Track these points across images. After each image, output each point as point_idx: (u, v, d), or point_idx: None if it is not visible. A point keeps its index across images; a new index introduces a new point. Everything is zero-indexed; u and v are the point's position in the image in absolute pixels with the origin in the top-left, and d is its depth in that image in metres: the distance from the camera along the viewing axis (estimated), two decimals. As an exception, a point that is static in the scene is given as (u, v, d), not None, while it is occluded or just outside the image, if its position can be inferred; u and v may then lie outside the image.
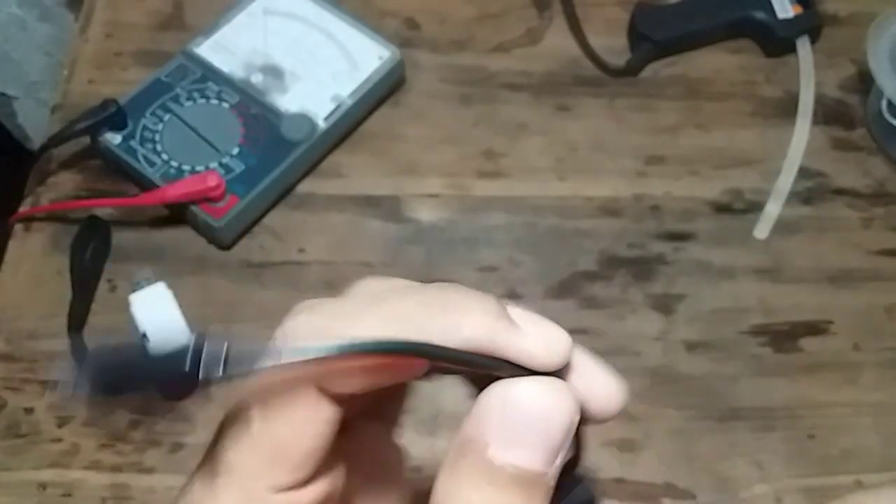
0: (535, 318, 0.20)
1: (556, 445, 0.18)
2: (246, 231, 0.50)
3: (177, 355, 0.17)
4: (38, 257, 0.49)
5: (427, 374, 0.21)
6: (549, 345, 0.20)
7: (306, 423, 0.20)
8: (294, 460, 0.19)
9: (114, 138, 0.50)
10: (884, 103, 0.53)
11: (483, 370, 0.19)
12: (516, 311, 0.20)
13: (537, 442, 0.18)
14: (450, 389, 0.46)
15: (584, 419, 0.20)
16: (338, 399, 0.20)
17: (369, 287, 0.21)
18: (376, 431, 0.24)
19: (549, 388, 0.18)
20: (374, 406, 0.24)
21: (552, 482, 0.19)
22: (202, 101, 0.51)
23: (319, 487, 0.21)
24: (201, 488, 0.20)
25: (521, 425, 0.18)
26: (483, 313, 0.19)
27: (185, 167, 0.49)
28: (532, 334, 0.20)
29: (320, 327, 0.19)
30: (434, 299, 0.19)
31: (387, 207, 0.51)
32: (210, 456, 0.20)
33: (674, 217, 0.52)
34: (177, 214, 0.49)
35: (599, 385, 0.20)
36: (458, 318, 0.19)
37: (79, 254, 0.48)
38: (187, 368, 0.17)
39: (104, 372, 0.17)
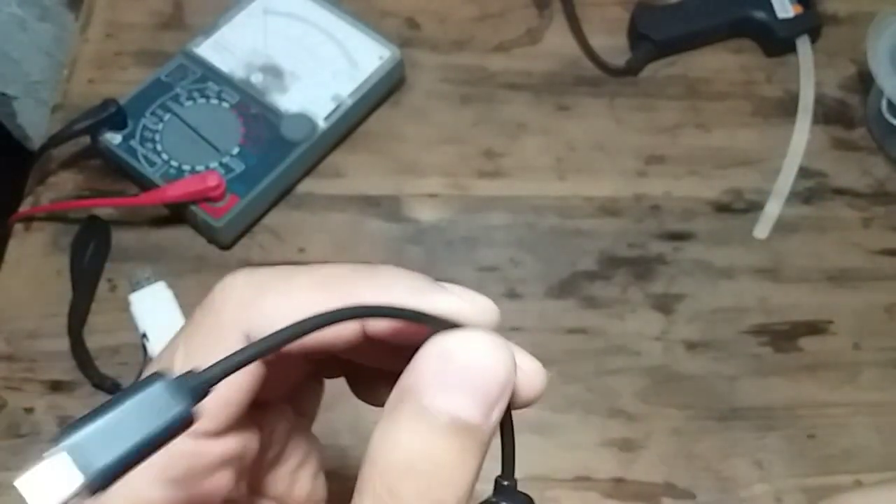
0: (465, 288, 0.21)
1: (491, 398, 0.18)
2: (246, 231, 0.50)
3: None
4: (38, 257, 0.49)
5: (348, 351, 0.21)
6: (477, 304, 0.20)
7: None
8: (210, 407, 0.19)
9: (114, 138, 0.50)
10: (884, 103, 0.53)
11: (417, 323, 0.19)
12: (446, 285, 0.20)
13: (472, 391, 0.18)
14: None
15: (510, 403, 0.20)
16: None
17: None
18: (293, 420, 0.25)
19: (486, 340, 0.19)
20: (294, 398, 0.24)
21: (487, 437, 0.19)
22: (202, 101, 0.51)
23: (230, 444, 0.21)
24: None
25: (456, 374, 0.18)
26: (412, 278, 0.20)
27: (185, 167, 0.49)
28: (461, 295, 0.20)
29: (258, 282, 0.20)
30: (365, 267, 0.20)
31: (387, 207, 0.51)
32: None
33: (674, 217, 0.52)
34: (177, 214, 0.49)
35: (523, 364, 0.20)
36: (388, 281, 0.20)
37: (79, 254, 0.48)
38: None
39: None
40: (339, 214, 0.51)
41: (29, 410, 0.45)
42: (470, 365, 0.18)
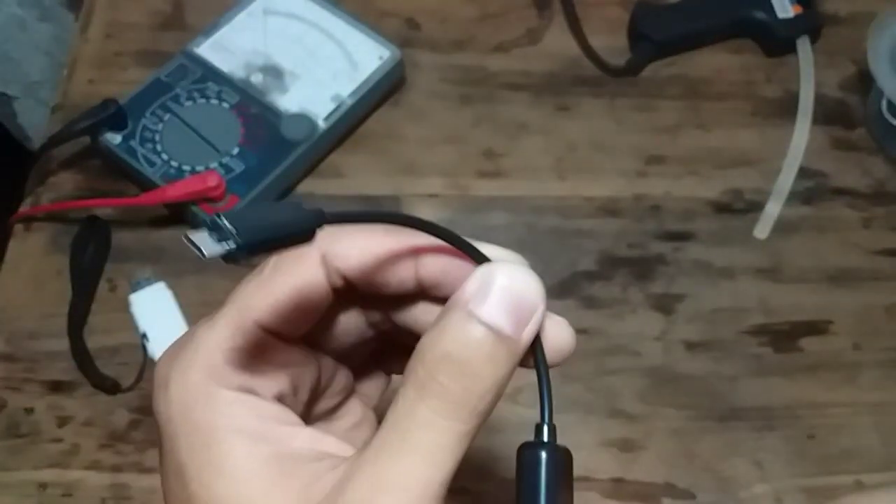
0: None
1: (523, 315, 0.22)
2: (246, 231, 0.50)
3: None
4: (38, 257, 0.49)
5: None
6: (511, 253, 0.24)
7: (304, 280, 0.24)
8: (285, 309, 0.23)
9: (114, 138, 0.50)
10: (884, 103, 0.53)
11: (470, 255, 0.23)
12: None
13: (507, 307, 0.22)
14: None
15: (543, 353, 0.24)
16: (335, 277, 0.24)
17: None
18: (350, 381, 0.28)
19: (524, 271, 0.23)
20: (358, 377, 0.29)
21: (517, 350, 0.22)
22: (202, 101, 0.51)
23: (290, 353, 0.24)
24: (205, 319, 0.24)
25: (497, 292, 0.22)
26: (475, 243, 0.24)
27: (185, 167, 0.49)
28: (495, 248, 0.24)
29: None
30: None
31: (387, 207, 0.51)
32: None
33: (674, 217, 0.52)
34: (177, 214, 0.49)
35: (552, 323, 0.24)
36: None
37: (79, 254, 0.48)
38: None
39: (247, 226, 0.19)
40: (339, 214, 0.51)
41: (29, 410, 0.45)
42: (508, 286, 0.22)
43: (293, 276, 0.24)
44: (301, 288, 0.24)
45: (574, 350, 0.25)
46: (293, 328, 0.24)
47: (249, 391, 0.23)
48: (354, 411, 0.29)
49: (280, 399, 0.24)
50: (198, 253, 0.18)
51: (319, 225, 0.21)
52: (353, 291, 0.25)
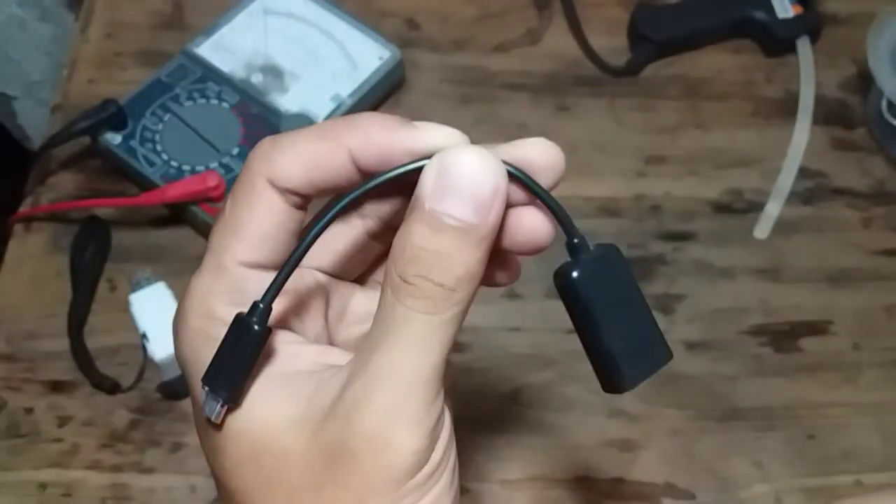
0: (432, 123, 0.25)
1: (485, 201, 0.22)
2: (246, 231, 0.50)
3: None
4: (38, 257, 0.49)
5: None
6: (444, 132, 0.24)
7: (260, 208, 0.24)
8: (251, 237, 0.25)
9: (114, 138, 0.50)
10: (884, 103, 0.53)
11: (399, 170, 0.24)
12: (417, 123, 0.25)
13: (467, 196, 0.22)
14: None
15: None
16: (288, 195, 0.25)
17: None
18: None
19: (474, 154, 0.23)
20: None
21: (486, 233, 0.23)
22: (202, 101, 0.51)
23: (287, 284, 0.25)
24: (192, 275, 0.26)
25: (454, 182, 0.22)
26: (384, 119, 0.24)
27: (185, 167, 0.49)
28: (427, 128, 0.24)
29: (275, 139, 0.25)
30: (349, 117, 0.25)
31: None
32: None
33: (674, 217, 0.52)
34: (177, 214, 0.49)
35: (534, 149, 0.25)
36: (365, 124, 0.24)
37: (79, 254, 0.48)
38: None
39: None
40: (339, 214, 0.51)
41: (29, 410, 0.45)
42: (463, 173, 0.22)
43: (249, 208, 0.25)
44: (262, 217, 0.25)
45: (551, 236, 0.25)
46: (274, 256, 0.25)
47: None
48: None
49: (282, 324, 0.25)
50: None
51: (263, 336, 0.23)
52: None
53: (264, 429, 0.23)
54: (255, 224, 0.25)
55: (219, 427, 0.24)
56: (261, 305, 0.23)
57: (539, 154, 0.25)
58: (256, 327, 0.23)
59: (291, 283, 0.24)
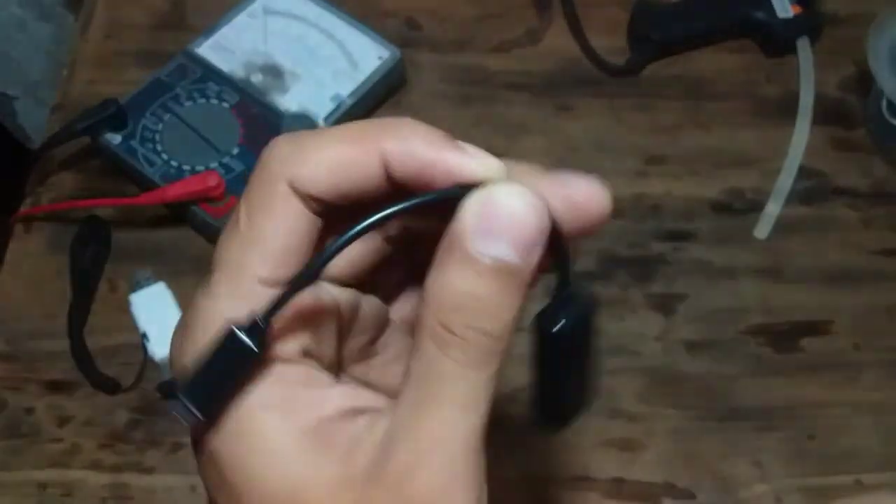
0: (476, 148, 0.23)
1: (528, 241, 0.21)
2: (246, 231, 0.50)
3: None
4: (38, 257, 0.49)
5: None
6: (489, 162, 0.23)
7: (283, 218, 0.22)
8: (274, 252, 0.22)
9: (114, 138, 0.50)
10: (884, 103, 0.53)
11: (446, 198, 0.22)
12: (462, 144, 0.23)
13: (510, 237, 0.21)
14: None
15: (577, 228, 0.23)
16: (311, 203, 0.23)
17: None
18: (388, 322, 0.27)
19: (519, 191, 0.21)
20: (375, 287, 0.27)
21: (527, 276, 0.21)
22: (202, 101, 0.51)
23: (305, 303, 0.23)
24: (200, 292, 0.23)
25: (501, 222, 0.21)
26: (429, 132, 0.23)
27: (185, 167, 0.49)
28: (474, 154, 0.23)
29: (297, 140, 0.23)
30: (388, 121, 0.23)
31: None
32: (212, 260, 0.23)
33: (674, 217, 0.52)
34: (177, 214, 0.49)
35: (580, 189, 0.23)
36: (407, 133, 0.22)
37: (79, 254, 0.48)
38: None
39: None
40: (339, 214, 0.51)
41: (29, 410, 0.45)
42: (507, 212, 0.21)
43: (271, 219, 0.22)
44: (286, 228, 0.22)
45: (607, 209, 0.23)
46: (286, 270, 0.23)
47: (270, 359, 0.22)
48: (394, 342, 0.27)
49: (305, 354, 0.23)
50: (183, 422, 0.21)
51: (257, 353, 0.21)
52: (343, 212, 0.23)
53: (297, 491, 0.21)
54: (278, 236, 0.22)
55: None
56: (259, 323, 0.21)
57: (586, 197, 0.23)
58: (254, 348, 0.21)
59: (309, 300, 0.23)
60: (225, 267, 0.22)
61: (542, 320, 0.24)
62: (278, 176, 0.22)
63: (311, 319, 0.23)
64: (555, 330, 0.23)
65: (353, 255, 0.24)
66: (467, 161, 0.22)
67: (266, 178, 0.22)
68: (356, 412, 0.22)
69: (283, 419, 0.21)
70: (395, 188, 0.23)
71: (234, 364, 0.21)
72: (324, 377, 0.23)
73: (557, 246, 0.22)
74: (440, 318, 0.21)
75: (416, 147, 0.22)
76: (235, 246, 0.22)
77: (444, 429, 0.21)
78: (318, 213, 0.23)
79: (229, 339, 0.21)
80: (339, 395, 0.22)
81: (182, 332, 0.23)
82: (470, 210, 0.21)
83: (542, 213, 0.21)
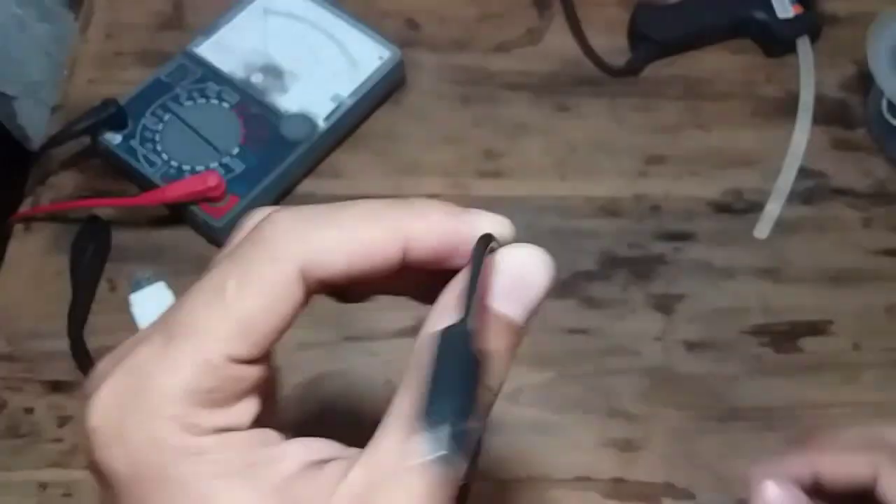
0: (483, 211, 0.24)
1: (536, 305, 0.22)
2: (246, 231, 0.50)
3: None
4: (38, 257, 0.49)
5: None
6: (502, 222, 0.23)
7: (280, 300, 0.21)
8: (258, 334, 0.21)
9: (114, 138, 0.50)
10: (884, 103, 0.53)
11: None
12: (471, 210, 0.23)
13: (526, 300, 0.21)
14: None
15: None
16: (314, 286, 0.22)
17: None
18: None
19: (540, 257, 0.22)
20: None
21: (524, 333, 0.22)
22: (202, 101, 0.51)
23: (262, 370, 0.22)
24: (149, 349, 0.21)
25: (516, 284, 0.21)
26: (443, 204, 0.23)
27: (185, 167, 0.49)
28: (487, 216, 0.23)
29: (306, 217, 0.22)
30: (401, 200, 0.23)
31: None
32: (168, 320, 0.21)
33: (674, 217, 0.52)
34: (177, 214, 0.49)
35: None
36: (425, 209, 0.22)
37: (79, 254, 0.48)
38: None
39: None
40: (339, 214, 0.51)
41: (29, 410, 0.45)
42: (527, 278, 0.21)
43: (263, 296, 0.21)
44: (281, 312, 0.21)
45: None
46: (261, 350, 0.21)
47: (227, 429, 0.21)
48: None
49: (257, 420, 0.22)
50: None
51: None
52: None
53: None
54: (269, 318, 0.21)
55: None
56: (469, 327, 0.20)
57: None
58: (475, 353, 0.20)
59: (252, 375, 0.21)
60: (194, 335, 0.20)
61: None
62: (288, 257, 0.21)
63: (260, 383, 0.22)
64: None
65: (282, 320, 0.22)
66: (486, 223, 0.23)
67: (271, 255, 0.21)
68: (316, 463, 0.21)
69: (245, 485, 0.20)
70: (403, 268, 0.22)
71: (467, 373, 0.20)
72: (275, 435, 0.22)
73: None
74: None
75: (438, 222, 0.22)
76: (216, 316, 0.21)
77: (424, 485, 0.19)
78: (312, 293, 0.22)
79: (455, 343, 0.20)
80: (296, 450, 0.21)
81: (119, 393, 0.20)
82: (493, 268, 0.21)
83: (553, 279, 0.22)
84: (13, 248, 0.49)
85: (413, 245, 0.22)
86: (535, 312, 0.22)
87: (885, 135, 0.54)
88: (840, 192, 0.53)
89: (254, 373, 0.21)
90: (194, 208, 0.48)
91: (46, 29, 0.62)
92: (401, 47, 0.54)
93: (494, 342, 0.21)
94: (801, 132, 0.54)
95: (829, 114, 0.56)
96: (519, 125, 0.55)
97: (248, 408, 0.22)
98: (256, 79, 0.53)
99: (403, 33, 0.57)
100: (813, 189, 0.53)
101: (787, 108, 0.56)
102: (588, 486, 0.44)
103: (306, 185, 0.52)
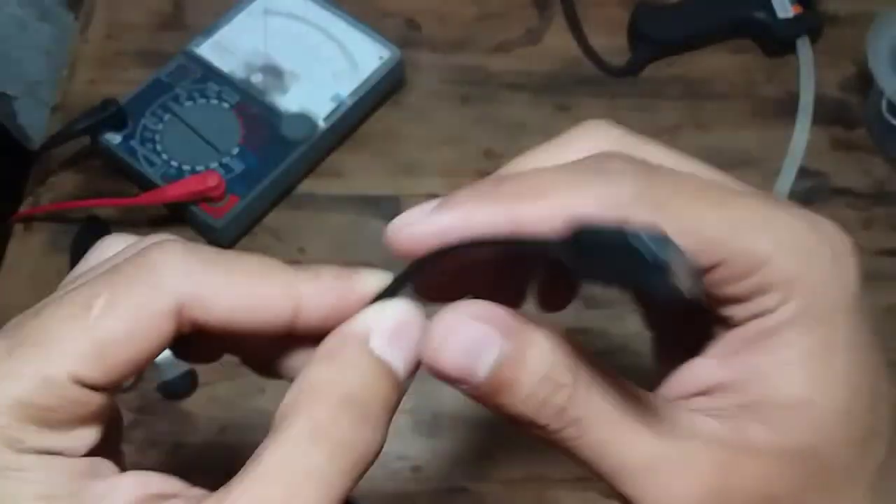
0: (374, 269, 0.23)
1: (415, 357, 0.21)
2: (246, 231, 0.50)
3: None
4: (38, 257, 0.49)
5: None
6: (387, 277, 0.23)
7: (148, 330, 0.20)
8: (114, 360, 0.20)
9: (114, 138, 0.50)
10: (884, 103, 0.53)
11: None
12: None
13: (409, 350, 0.21)
14: (450, 390, 0.46)
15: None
16: (185, 326, 0.21)
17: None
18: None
19: (409, 305, 0.22)
20: None
21: (405, 382, 0.21)
22: (202, 101, 0.51)
23: (104, 400, 0.20)
24: None
25: (396, 329, 0.21)
26: (331, 268, 0.22)
27: (185, 167, 0.49)
28: (372, 275, 0.23)
29: (202, 258, 0.21)
30: (288, 264, 0.22)
31: (387, 207, 0.51)
32: (23, 324, 0.20)
33: (674, 217, 0.52)
34: (177, 214, 0.49)
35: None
36: (313, 273, 0.22)
37: (79, 254, 0.48)
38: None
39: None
40: (339, 214, 0.51)
41: (29, 410, 0.45)
42: (403, 322, 0.21)
43: (132, 322, 0.20)
44: (137, 336, 0.20)
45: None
46: (111, 378, 0.20)
47: (56, 453, 0.19)
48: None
49: (92, 452, 0.20)
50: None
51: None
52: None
53: None
54: (132, 351, 0.20)
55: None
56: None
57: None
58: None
59: (96, 403, 0.20)
60: (43, 347, 0.19)
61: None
62: (167, 291, 0.20)
63: (105, 414, 0.21)
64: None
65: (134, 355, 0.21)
66: (374, 282, 0.22)
67: (153, 282, 0.20)
68: (157, 498, 0.20)
69: None
70: (288, 332, 0.22)
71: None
72: (111, 467, 0.21)
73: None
74: (328, 409, 0.20)
75: (329, 285, 0.22)
76: (74, 332, 0.19)
77: None
78: (180, 334, 0.21)
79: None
80: (129, 484, 0.20)
81: None
82: (373, 311, 0.21)
83: (422, 327, 0.21)
84: (13, 248, 0.49)
85: (308, 309, 0.21)
86: (413, 369, 0.21)
87: (885, 135, 0.54)
88: (840, 192, 0.53)
89: (98, 400, 0.20)
90: (194, 208, 0.48)
91: (46, 29, 0.62)
92: (401, 47, 0.54)
93: (375, 383, 0.21)
94: (801, 132, 0.54)
95: (829, 114, 0.56)
96: (519, 125, 0.55)
97: (85, 436, 0.20)
98: (256, 79, 0.53)
99: (403, 33, 0.57)
100: (813, 189, 0.53)
101: (787, 108, 0.56)
102: (588, 486, 0.44)
103: (306, 185, 0.52)
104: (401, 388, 0.21)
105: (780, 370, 0.21)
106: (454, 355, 0.20)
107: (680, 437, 0.21)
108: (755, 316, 0.21)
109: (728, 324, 0.22)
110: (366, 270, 0.23)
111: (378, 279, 0.23)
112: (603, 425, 0.21)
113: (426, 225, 0.22)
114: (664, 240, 0.16)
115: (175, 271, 0.20)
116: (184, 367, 0.44)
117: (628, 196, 0.20)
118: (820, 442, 0.21)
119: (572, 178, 0.21)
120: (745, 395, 0.21)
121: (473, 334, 0.20)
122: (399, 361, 0.21)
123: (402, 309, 0.22)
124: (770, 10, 0.57)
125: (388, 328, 0.21)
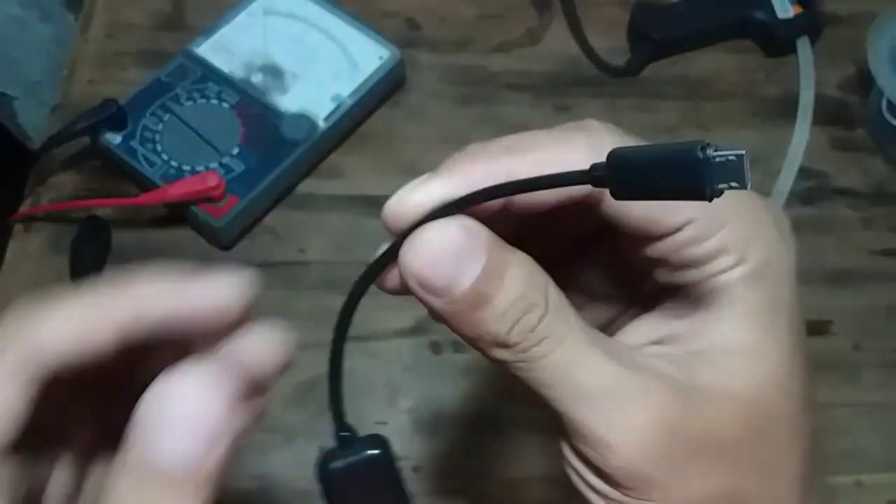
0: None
1: (209, 436, 0.18)
2: (246, 231, 0.50)
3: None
4: (38, 257, 0.49)
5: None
6: (236, 282, 0.22)
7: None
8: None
9: (114, 138, 0.50)
10: (884, 103, 0.53)
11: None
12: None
13: (190, 438, 0.18)
14: (450, 390, 0.46)
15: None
16: (49, 378, 0.20)
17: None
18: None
19: (198, 383, 0.18)
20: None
21: (211, 470, 0.18)
22: (202, 101, 0.51)
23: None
24: None
25: (171, 423, 0.18)
26: (169, 277, 0.22)
27: (185, 167, 0.49)
28: (216, 280, 0.22)
29: (37, 306, 0.21)
30: (122, 287, 0.21)
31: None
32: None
33: (674, 217, 0.52)
34: (177, 214, 0.49)
35: (262, 345, 0.22)
36: (143, 290, 0.21)
37: (79, 254, 0.48)
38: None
39: None
40: (339, 214, 0.51)
41: (29, 410, 0.45)
42: (183, 412, 0.18)
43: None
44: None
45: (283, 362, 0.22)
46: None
47: None
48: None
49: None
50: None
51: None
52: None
53: None
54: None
55: None
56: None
57: (262, 352, 0.22)
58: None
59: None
60: None
61: (318, 466, 0.23)
62: (11, 348, 0.20)
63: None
64: (326, 471, 0.23)
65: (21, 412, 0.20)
66: (214, 288, 0.21)
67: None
68: None
69: None
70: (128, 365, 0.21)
71: None
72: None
73: (333, 385, 0.23)
74: None
75: (157, 297, 0.20)
76: None
77: None
78: (57, 386, 0.20)
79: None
80: None
81: None
82: (146, 408, 0.18)
83: (224, 401, 0.18)
84: (13, 248, 0.49)
85: (136, 326, 0.20)
86: (210, 445, 0.18)
87: (885, 135, 0.54)
88: (840, 192, 0.53)
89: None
90: (194, 208, 0.48)
91: (46, 29, 0.62)
92: (401, 47, 0.54)
93: (160, 497, 0.18)
94: (801, 132, 0.54)
95: (829, 114, 0.56)
96: (519, 125, 0.54)
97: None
98: (256, 79, 0.53)
99: (403, 33, 0.57)
100: (813, 189, 0.53)
101: (787, 108, 0.56)
102: (588, 486, 0.44)
103: (306, 185, 0.52)
104: (192, 477, 0.18)
105: (730, 321, 0.22)
106: (443, 263, 0.20)
107: (638, 370, 0.21)
108: (709, 277, 0.22)
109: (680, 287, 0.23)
110: (212, 277, 0.22)
111: (221, 284, 0.21)
112: (570, 346, 0.21)
113: (421, 192, 0.23)
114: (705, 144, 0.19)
115: (16, 329, 0.20)
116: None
117: (611, 147, 0.20)
118: (765, 389, 0.21)
119: (558, 134, 0.22)
120: (695, 342, 0.22)
121: (462, 243, 0.20)
122: (183, 457, 0.18)
123: (170, 394, 0.18)
124: (770, 10, 0.57)
125: (153, 430, 0.18)
